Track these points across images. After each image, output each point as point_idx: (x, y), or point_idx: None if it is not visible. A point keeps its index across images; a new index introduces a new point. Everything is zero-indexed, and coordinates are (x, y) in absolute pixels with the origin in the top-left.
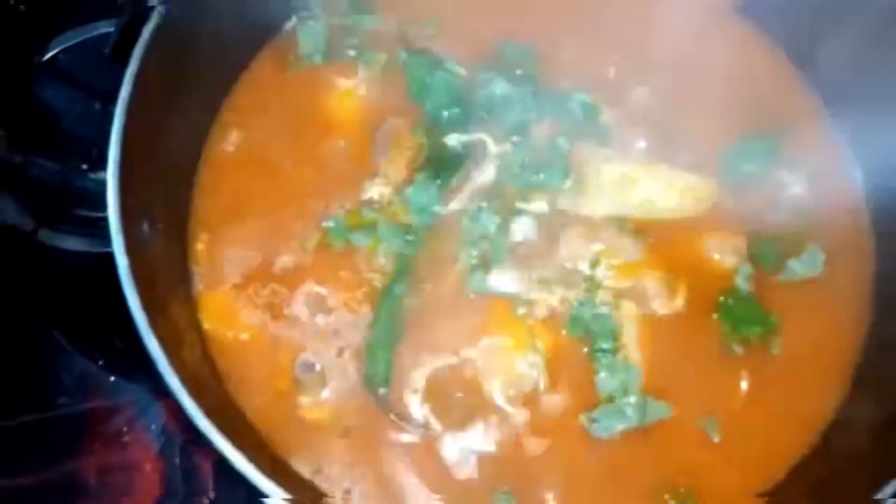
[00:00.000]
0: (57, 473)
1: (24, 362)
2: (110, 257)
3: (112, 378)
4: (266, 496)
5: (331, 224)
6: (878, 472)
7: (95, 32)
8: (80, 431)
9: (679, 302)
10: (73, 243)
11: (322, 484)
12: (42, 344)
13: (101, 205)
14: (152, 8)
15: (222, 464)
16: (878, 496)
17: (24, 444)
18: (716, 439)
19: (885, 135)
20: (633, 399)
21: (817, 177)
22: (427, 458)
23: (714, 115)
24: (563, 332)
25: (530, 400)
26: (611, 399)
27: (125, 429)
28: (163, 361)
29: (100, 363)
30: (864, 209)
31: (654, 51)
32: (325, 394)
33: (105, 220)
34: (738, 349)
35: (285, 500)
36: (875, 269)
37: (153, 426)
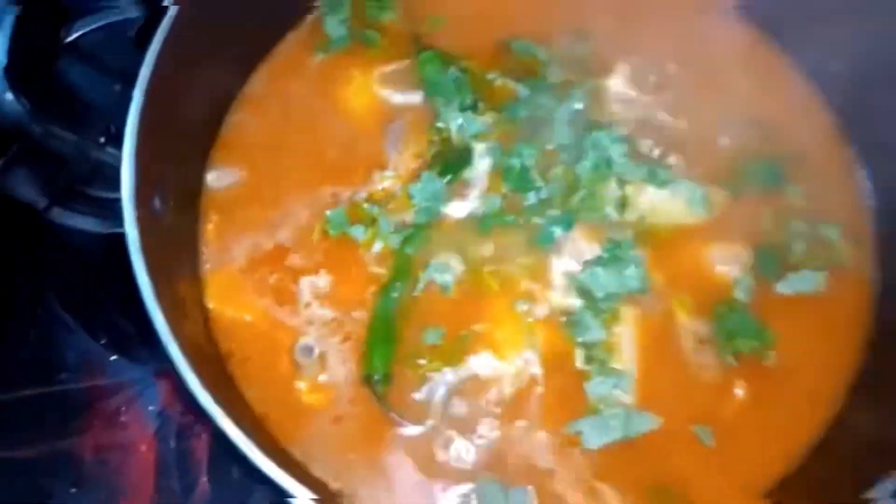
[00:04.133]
0: (54, 448)
1: (29, 337)
2: (120, 238)
3: (113, 357)
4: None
5: (332, 214)
6: (874, 473)
7: (121, 17)
8: (80, 408)
9: (677, 312)
10: (84, 222)
11: (312, 467)
12: (47, 319)
13: (115, 182)
14: None
15: (217, 446)
16: (871, 494)
17: (23, 418)
18: (710, 444)
19: None
20: (617, 411)
21: (826, 195)
22: (420, 451)
23: (726, 129)
24: (562, 333)
25: (524, 398)
26: (596, 409)
27: (123, 408)
28: (165, 331)
29: (102, 342)
30: (871, 230)
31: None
32: (322, 379)
33: (117, 200)
34: (732, 360)
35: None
36: (877, 291)
37: (151, 408)
